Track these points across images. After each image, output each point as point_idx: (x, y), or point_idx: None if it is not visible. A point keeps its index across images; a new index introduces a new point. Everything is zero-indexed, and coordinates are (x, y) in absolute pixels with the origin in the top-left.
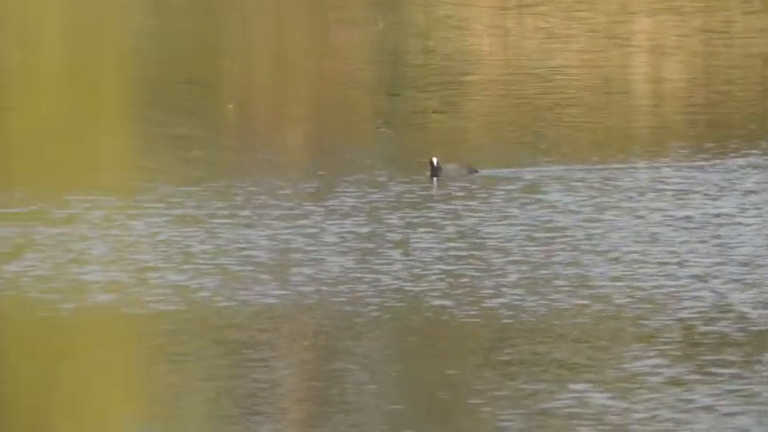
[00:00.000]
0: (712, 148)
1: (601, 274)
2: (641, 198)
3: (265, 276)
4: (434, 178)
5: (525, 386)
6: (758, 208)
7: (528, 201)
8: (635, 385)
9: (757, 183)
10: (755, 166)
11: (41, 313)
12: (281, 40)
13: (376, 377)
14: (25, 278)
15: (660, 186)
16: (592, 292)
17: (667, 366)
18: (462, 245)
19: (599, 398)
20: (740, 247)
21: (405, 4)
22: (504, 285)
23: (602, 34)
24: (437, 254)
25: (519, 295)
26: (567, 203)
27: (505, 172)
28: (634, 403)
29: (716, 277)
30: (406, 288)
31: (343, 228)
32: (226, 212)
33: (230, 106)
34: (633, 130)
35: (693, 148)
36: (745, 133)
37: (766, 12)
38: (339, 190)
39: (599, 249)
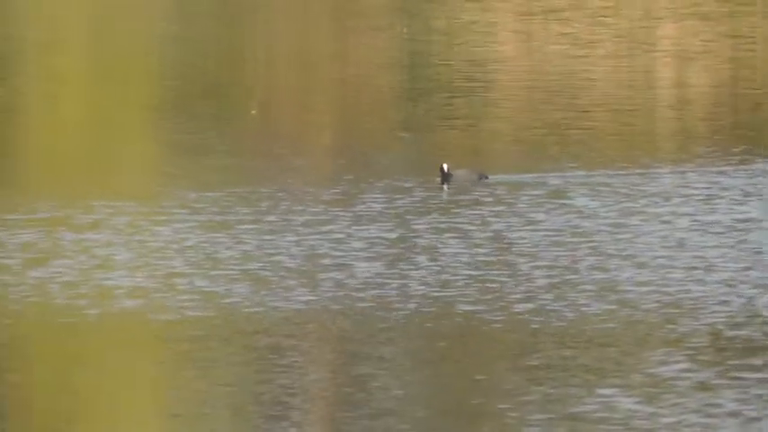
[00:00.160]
0: (737, 153)
1: (628, 279)
2: (667, 203)
3: (293, 282)
4: (445, 184)
5: (553, 391)
6: None
7: (554, 206)
8: (662, 390)
9: None
10: None
11: (67, 319)
12: (304, 46)
13: (404, 382)
14: (51, 284)
15: (686, 191)
16: (619, 297)
17: (694, 371)
18: (489, 250)
19: (626, 402)
20: (767, 252)
21: (429, 11)
22: (532, 290)
23: (627, 39)
24: (464, 259)
25: (547, 300)
26: (593, 209)
27: (515, 178)
28: (661, 408)
29: (743, 282)
30: (434, 293)
31: (370, 233)
32: (251, 218)
33: (253, 112)
34: (658, 135)
35: (719, 152)
36: None
37: None
38: (365, 195)
39: (626, 254)
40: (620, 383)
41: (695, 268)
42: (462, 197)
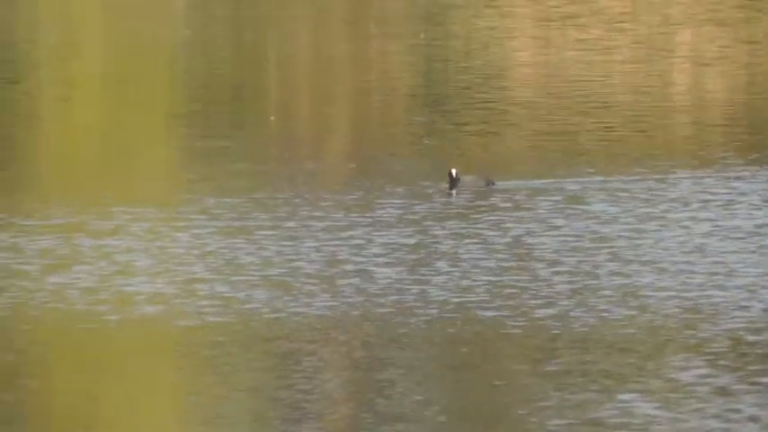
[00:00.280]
0: (756, 158)
1: (648, 284)
2: (686, 208)
3: (313, 287)
4: (453, 190)
5: (573, 396)
6: None
7: (573, 211)
8: (682, 395)
9: None
10: None
11: (87, 325)
12: (323, 53)
13: (423, 387)
14: (71, 290)
15: (705, 196)
16: (639, 302)
17: (714, 376)
18: (509, 255)
19: (646, 408)
20: None
21: (447, 16)
22: (552, 296)
23: (644, 45)
24: (484, 264)
25: (567, 306)
26: (612, 214)
27: (531, 183)
28: (681, 413)
29: (764, 287)
30: (454, 299)
31: (389, 239)
32: (271, 224)
33: (272, 118)
34: (676, 140)
35: (737, 157)
36: None
37: None
38: (384, 201)
39: (645, 260)
40: (640, 389)
41: (715, 273)
42: (480, 202)
